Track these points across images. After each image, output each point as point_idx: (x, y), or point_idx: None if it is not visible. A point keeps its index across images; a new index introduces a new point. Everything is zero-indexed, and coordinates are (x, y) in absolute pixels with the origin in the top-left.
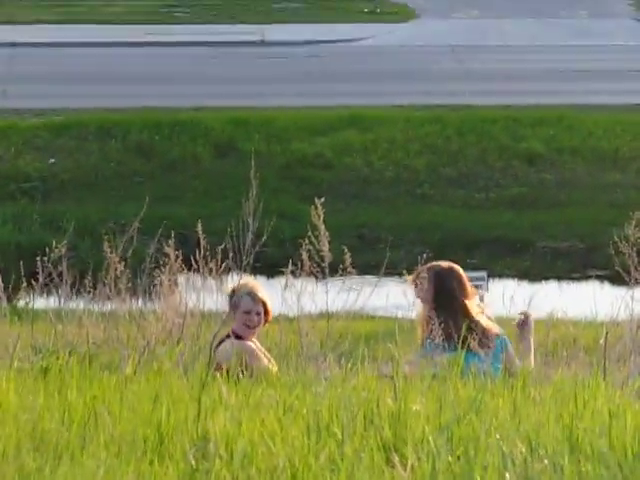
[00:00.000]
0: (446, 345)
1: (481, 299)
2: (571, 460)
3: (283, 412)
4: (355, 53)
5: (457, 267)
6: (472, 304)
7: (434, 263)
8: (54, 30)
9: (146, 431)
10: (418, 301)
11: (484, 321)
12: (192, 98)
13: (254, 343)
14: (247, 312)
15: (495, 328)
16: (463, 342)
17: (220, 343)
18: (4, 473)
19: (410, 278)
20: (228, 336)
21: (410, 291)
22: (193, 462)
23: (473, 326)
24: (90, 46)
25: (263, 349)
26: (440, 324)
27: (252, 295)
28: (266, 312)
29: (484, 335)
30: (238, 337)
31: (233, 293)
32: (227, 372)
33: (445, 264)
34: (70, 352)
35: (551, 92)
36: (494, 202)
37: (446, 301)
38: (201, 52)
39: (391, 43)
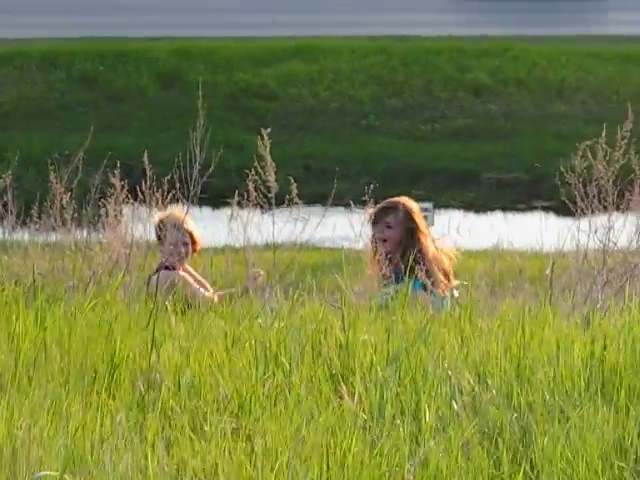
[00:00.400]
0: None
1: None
2: (519, 390)
3: (231, 343)
4: None
5: (412, 201)
6: (429, 241)
7: (394, 200)
8: None
9: (95, 361)
10: (370, 236)
11: (445, 263)
12: (137, 28)
13: (186, 272)
14: (174, 244)
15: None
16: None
17: (150, 277)
18: None
19: (369, 214)
20: (158, 269)
21: (360, 224)
22: (141, 391)
23: (430, 265)
24: None
25: (199, 277)
26: (402, 261)
27: (178, 226)
28: (193, 242)
29: (445, 276)
30: (167, 268)
31: (159, 225)
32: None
33: (406, 200)
34: (16, 283)
35: (497, 22)
36: (439, 133)
37: (411, 240)
38: None
39: None
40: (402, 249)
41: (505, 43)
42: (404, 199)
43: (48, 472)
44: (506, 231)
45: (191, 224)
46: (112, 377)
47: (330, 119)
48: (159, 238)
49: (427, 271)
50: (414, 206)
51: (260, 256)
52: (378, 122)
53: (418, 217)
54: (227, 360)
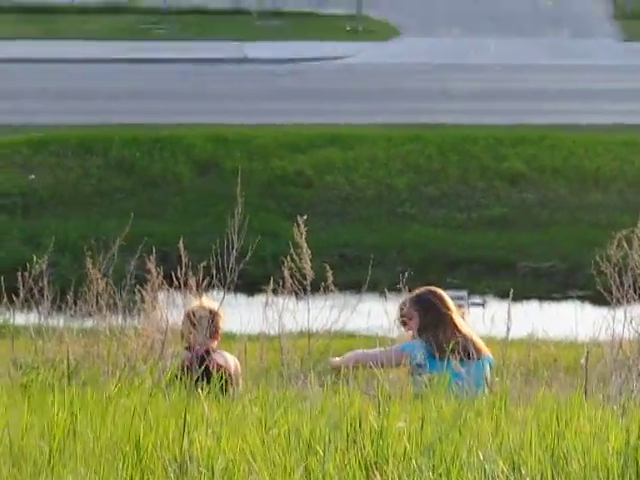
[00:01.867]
0: (434, 353)
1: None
2: (554, 479)
3: (265, 430)
4: (337, 71)
5: (435, 288)
6: (458, 318)
7: (412, 293)
8: (34, 46)
9: (126, 447)
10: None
11: (473, 335)
12: (173, 115)
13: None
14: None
15: (483, 347)
16: (451, 353)
17: (207, 352)
18: None
19: (397, 318)
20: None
21: (391, 311)
22: (173, 478)
23: (461, 338)
24: (70, 62)
25: None
26: (430, 338)
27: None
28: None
29: (473, 346)
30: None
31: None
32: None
33: (423, 289)
34: (51, 368)
35: (532, 111)
36: (475, 222)
37: (433, 318)
38: (182, 69)
39: (372, 61)
40: (429, 331)
41: (541, 132)
42: (417, 290)
43: None
44: (541, 320)
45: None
46: (143, 462)
47: (366, 207)
48: (193, 325)
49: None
50: (420, 291)
51: (294, 343)
52: (414, 210)
53: (433, 297)
54: (261, 446)
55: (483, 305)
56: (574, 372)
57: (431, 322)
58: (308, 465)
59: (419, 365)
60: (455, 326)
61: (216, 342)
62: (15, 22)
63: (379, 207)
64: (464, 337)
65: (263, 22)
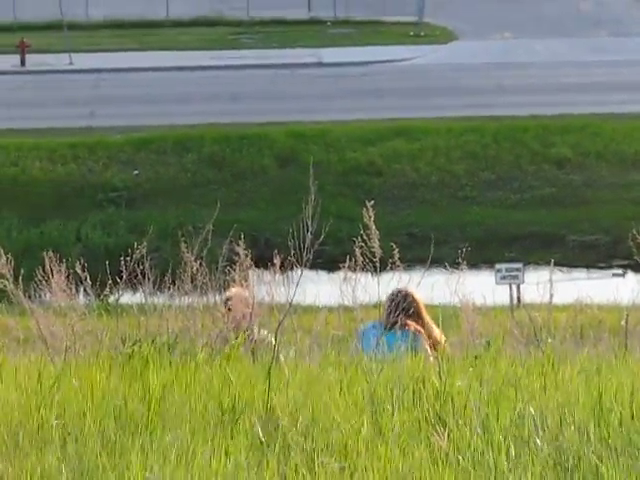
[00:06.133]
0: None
1: (518, 288)
2: (597, 429)
3: (340, 390)
4: (402, 71)
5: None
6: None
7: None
8: (135, 57)
9: (217, 409)
10: None
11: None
12: (257, 115)
13: None
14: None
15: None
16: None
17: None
18: (92, 447)
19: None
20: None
21: (456, 283)
22: (261, 434)
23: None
24: (167, 70)
25: None
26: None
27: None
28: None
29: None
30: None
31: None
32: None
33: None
34: (152, 341)
35: (576, 103)
36: (528, 201)
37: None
38: (265, 74)
39: (434, 62)
40: None
41: (584, 120)
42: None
43: None
44: (587, 287)
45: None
46: (235, 422)
47: (430, 191)
48: (229, 309)
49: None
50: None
51: (367, 313)
52: (473, 193)
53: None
54: (338, 404)
55: (623, 275)
56: (617, 333)
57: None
58: (379, 420)
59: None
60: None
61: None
62: (116, 36)
63: (442, 191)
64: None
65: (336, 30)
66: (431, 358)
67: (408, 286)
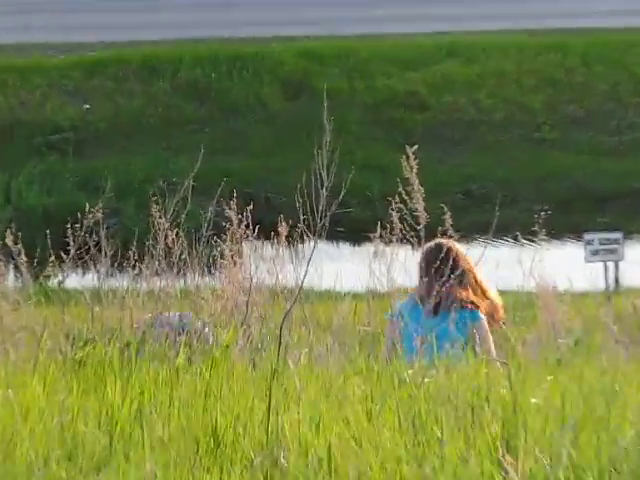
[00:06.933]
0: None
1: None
2: None
3: (371, 408)
4: None
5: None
6: None
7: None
8: None
9: (201, 434)
10: None
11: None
12: (255, 27)
13: None
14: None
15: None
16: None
17: None
18: None
19: None
20: None
21: (530, 259)
22: (261, 473)
23: None
24: None
25: None
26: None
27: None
28: None
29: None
30: None
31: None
32: None
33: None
34: (110, 341)
35: None
36: (628, 147)
37: None
38: None
39: None
40: None
41: None
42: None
43: None
44: None
45: None
46: (221, 451)
47: (494, 132)
48: None
49: None
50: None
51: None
52: (553, 134)
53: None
54: (369, 428)
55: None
56: None
57: None
58: (422, 449)
59: None
60: None
61: None
62: None
63: (510, 132)
64: None
65: None
66: (492, 350)
67: (443, 239)
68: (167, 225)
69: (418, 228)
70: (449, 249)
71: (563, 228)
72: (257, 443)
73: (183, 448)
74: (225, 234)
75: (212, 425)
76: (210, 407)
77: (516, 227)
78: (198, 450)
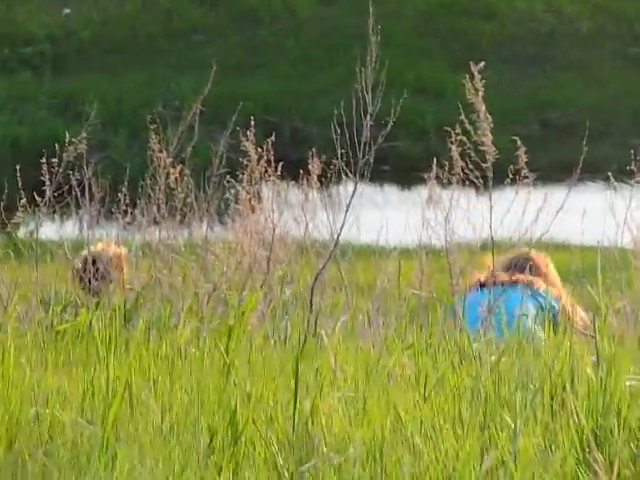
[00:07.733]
0: None
1: None
2: None
3: (425, 392)
4: None
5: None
6: None
7: None
8: None
9: (211, 421)
10: None
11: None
12: None
13: None
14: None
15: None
16: None
17: None
18: None
19: None
20: None
21: (625, 206)
22: (285, 471)
23: None
24: None
25: None
26: None
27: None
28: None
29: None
30: None
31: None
32: None
33: None
34: (97, 305)
35: None
36: None
37: None
38: None
39: None
40: None
41: None
42: None
43: None
44: None
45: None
46: (237, 443)
47: (579, 46)
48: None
49: None
50: None
51: (470, 260)
52: None
53: None
54: (416, 413)
55: None
56: None
57: None
58: (488, 441)
59: None
60: None
61: None
62: None
63: (600, 47)
64: None
65: None
66: (585, 318)
67: (531, 251)
68: (168, 161)
69: (484, 166)
70: (536, 267)
71: None
72: (282, 435)
73: (188, 441)
74: (241, 173)
75: (227, 410)
76: (224, 389)
77: (608, 166)
78: (210, 443)
